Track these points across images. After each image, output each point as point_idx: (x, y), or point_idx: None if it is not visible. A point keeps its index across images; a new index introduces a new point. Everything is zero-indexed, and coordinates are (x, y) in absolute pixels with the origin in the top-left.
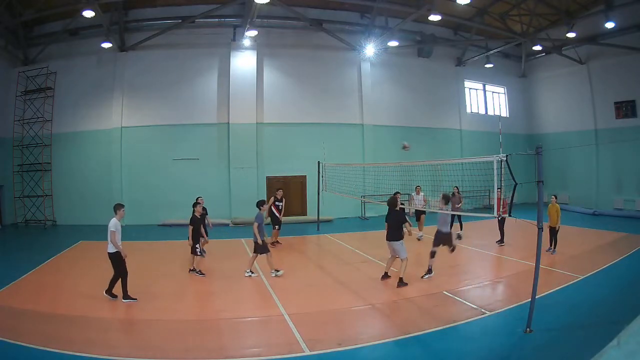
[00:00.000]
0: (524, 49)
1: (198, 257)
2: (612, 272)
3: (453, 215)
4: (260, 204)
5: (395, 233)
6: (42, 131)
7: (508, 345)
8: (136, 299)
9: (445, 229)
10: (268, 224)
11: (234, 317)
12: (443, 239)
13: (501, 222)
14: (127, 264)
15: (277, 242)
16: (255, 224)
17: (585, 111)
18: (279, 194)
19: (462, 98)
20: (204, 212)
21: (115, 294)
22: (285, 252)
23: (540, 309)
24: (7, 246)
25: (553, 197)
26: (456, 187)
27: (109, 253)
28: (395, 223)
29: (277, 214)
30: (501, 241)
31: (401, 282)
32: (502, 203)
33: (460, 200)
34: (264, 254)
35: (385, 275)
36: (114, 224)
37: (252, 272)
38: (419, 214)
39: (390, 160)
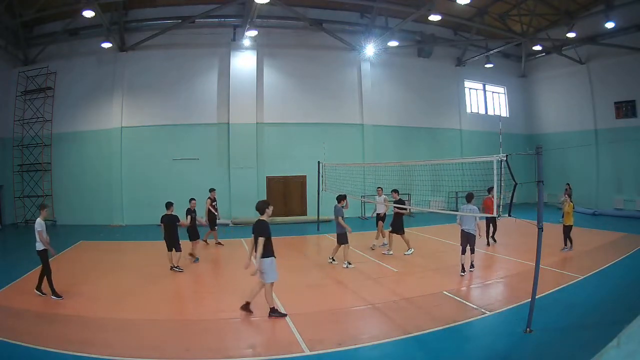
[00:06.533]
0: (524, 49)
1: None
2: (612, 272)
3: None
4: (340, 198)
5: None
6: (42, 131)
7: (508, 345)
8: (62, 297)
9: (470, 227)
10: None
11: (234, 317)
12: (469, 238)
13: (488, 223)
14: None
15: (219, 243)
16: (339, 217)
17: (585, 111)
18: (213, 195)
19: (462, 98)
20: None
21: (45, 292)
22: (285, 252)
23: (540, 309)
24: (7, 246)
25: (566, 196)
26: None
27: (37, 251)
28: (258, 235)
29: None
30: (487, 243)
31: (273, 312)
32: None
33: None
34: (344, 245)
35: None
36: (38, 223)
37: (350, 263)
38: (378, 219)
39: (390, 160)
